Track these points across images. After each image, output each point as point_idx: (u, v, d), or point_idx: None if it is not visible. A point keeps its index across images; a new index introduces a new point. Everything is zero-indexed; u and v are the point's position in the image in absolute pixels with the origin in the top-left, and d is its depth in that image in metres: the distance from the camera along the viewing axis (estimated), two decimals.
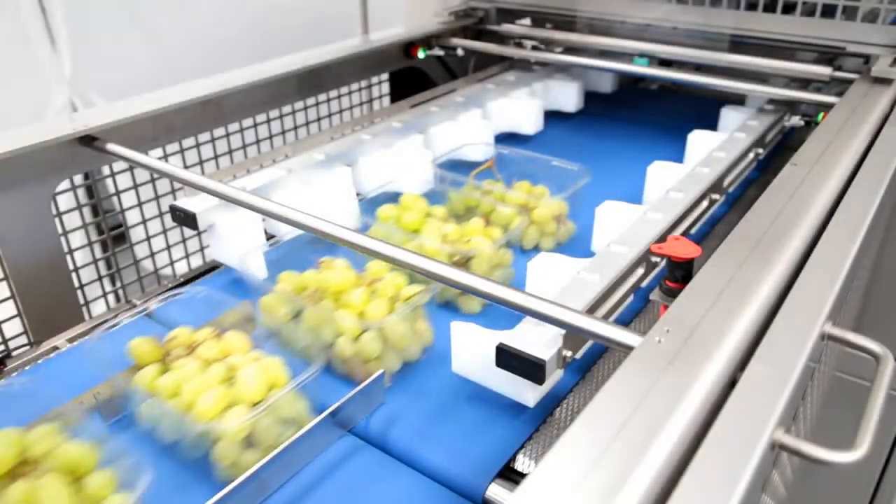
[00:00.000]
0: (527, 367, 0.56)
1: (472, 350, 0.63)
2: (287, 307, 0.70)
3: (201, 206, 0.82)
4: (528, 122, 1.21)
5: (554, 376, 0.61)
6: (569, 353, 0.58)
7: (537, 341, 0.57)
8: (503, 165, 0.98)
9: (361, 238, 0.67)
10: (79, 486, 0.51)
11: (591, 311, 0.62)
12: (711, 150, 0.93)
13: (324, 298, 0.69)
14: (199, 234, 1.09)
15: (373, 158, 1.01)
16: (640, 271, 0.70)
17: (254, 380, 0.58)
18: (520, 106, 1.22)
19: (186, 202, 0.83)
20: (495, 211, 0.88)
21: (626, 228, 0.74)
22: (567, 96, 1.32)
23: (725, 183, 0.89)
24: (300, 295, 0.70)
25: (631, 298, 0.69)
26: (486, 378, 0.63)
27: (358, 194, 0.94)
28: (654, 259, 0.71)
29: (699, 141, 1.03)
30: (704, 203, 0.84)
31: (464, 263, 0.78)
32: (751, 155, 0.96)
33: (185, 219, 0.82)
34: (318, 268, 0.73)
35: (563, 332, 0.57)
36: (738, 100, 1.19)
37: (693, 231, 0.81)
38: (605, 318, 0.62)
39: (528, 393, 0.61)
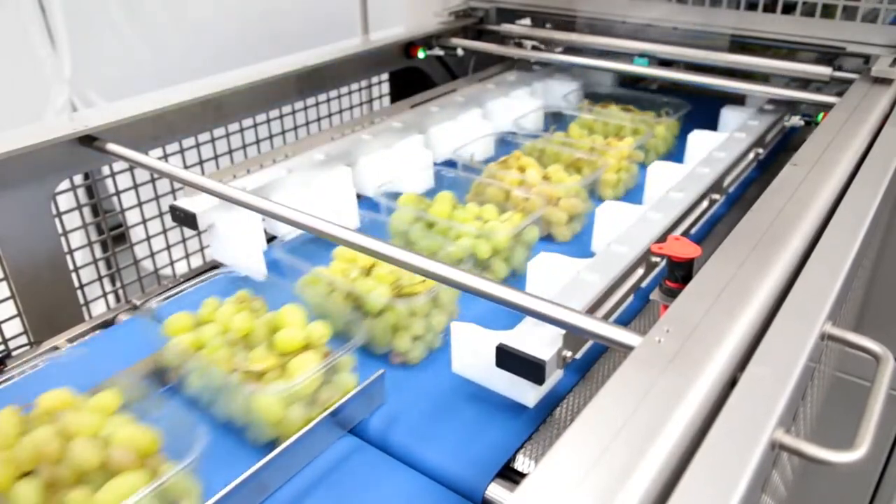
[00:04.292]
0: (527, 367, 0.56)
1: (472, 350, 0.63)
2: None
3: (201, 206, 0.82)
4: (529, 121, 1.21)
5: (554, 376, 0.61)
6: (569, 354, 0.58)
7: (537, 341, 0.57)
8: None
9: (361, 238, 0.67)
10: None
11: (591, 311, 0.62)
12: (711, 150, 0.93)
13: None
14: (198, 233, 1.09)
15: (373, 158, 1.01)
16: (640, 271, 0.70)
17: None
18: (520, 105, 1.22)
19: (186, 202, 0.83)
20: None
21: (626, 228, 0.74)
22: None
23: (725, 183, 0.89)
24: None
25: (631, 299, 0.69)
26: (486, 378, 0.63)
27: (358, 194, 0.94)
28: (654, 259, 0.71)
29: (699, 141, 1.03)
30: (704, 203, 0.84)
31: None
32: (751, 155, 0.96)
33: (185, 219, 0.82)
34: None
35: (564, 332, 0.57)
36: (738, 100, 1.19)
37: (693, 231, 0.81)
38: (605, 318, 0.62)
39: (528, 393, 0.61)
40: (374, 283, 0.70)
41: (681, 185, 0.84)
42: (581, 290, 0.63)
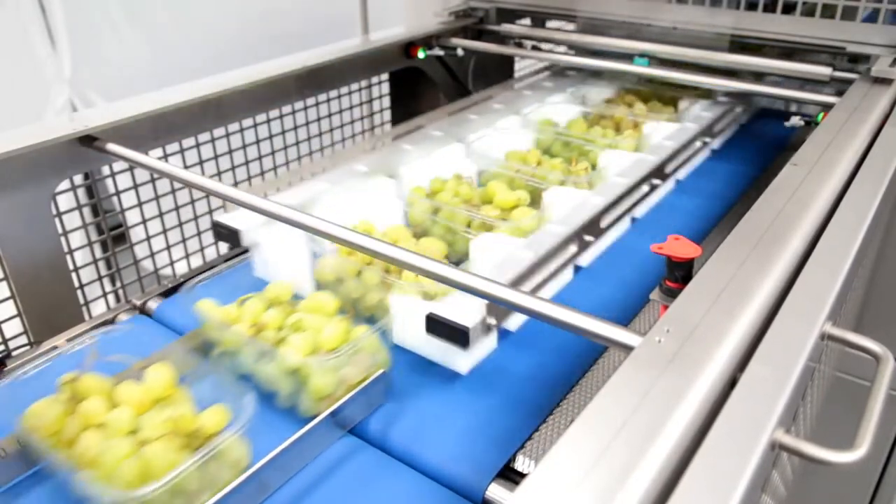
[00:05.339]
0: (453, 333, 0.61)
1: (408, 320, 0.67)
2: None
3: (245, 223, 0.80)
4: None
5: (486, 345, 0.66)
6: (493, 321, 0.63)
7: (463, 310, 0.62)
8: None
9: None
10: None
11: (516, 283, 0.68)
12: (661, 139, 1.01)
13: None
14: (199, 234, 1.09)
15: (413, 168, 0.97)
16: (573, 248, 0.77)
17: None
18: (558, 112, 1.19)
19: (228, 218, 0.81)
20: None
21: (566, 210, 0.81)
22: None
23: (667, 169, 0.96)
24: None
25: (570, 274, 0.77)
26: (421, 347, 0.68)
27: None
28: (586, 238, 0.79)
29: (653, 131, 1.08)
30: (645, 187, 0.90)
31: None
32: (697, 143, 1.03)
33: (228, 235, 0.81)
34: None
35: (487, 301, 0.61)
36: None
37: (637, 214, 0.89)
38: (534, 291, 0.69)
39: (459, 360, 0.65)
40: (549, 168, 0.95)
41: (624, 171, 0.90)
42: (512, 265, 0.69)
